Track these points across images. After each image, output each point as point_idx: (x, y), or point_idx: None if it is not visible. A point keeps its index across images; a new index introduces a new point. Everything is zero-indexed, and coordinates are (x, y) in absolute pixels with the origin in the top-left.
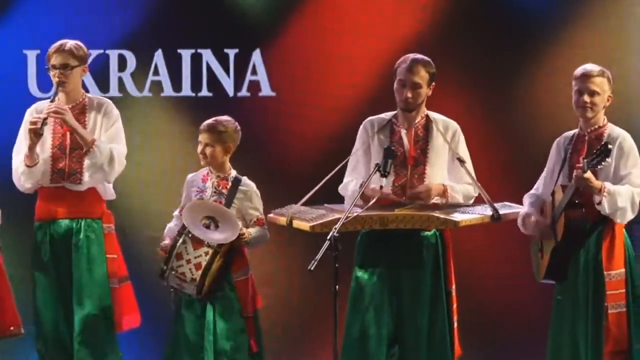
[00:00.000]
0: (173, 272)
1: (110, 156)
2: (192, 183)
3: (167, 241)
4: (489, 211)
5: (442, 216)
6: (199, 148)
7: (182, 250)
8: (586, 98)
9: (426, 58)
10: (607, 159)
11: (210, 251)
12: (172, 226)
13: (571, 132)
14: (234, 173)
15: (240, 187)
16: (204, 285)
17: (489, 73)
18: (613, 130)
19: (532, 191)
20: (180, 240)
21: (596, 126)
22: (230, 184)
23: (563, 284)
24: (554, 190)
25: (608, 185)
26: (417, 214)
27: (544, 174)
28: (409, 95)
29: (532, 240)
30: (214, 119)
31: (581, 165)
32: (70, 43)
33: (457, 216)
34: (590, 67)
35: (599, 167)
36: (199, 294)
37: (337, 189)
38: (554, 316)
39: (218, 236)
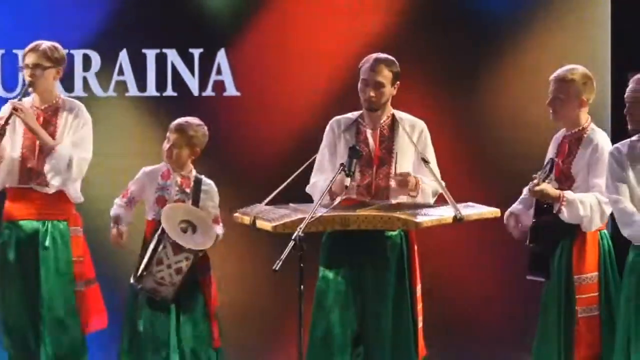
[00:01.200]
0: (152, 276)
1: (69, 162)
2: (149, 177)
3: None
4: (451, 212)
5: (403, 217)
6: (165, 145)
7: (163, 256)
8: (549, 103)
9: (390, 57)
10: (550, 175)
11: (191, 257)
12: (119, 213)
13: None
14: (194, 172)
15: (202, 187)
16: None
17: (454, 72)
18: (593, 133)
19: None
20: (161, 246)
21: (578, 128)
22: (192, 183)
23: (548, 286)
24: None
25: (567, 194)
26: (378, 215)
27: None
28: (372, 94)
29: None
30: (185, 120)
31: (535, 176)
32: (45, 44)
33: (418, 217)
34: (563, 71)
35: (547, 180)
36: (174, 295)
37: (302, 188)
38: (540, 318)
39: (196, 241)
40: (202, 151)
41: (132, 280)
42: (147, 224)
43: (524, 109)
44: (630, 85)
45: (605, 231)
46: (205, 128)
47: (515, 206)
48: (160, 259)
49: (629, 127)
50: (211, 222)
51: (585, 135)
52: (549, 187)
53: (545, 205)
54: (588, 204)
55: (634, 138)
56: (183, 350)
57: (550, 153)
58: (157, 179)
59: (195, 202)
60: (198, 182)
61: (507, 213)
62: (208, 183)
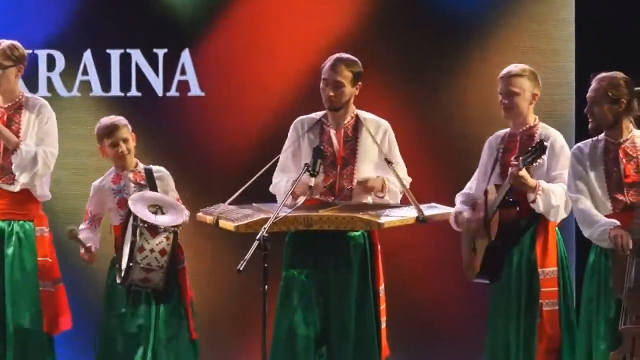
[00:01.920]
0: (138, 265)
1: (34, 158)
2: (102, 189)
3: (88, 251)
4: (414, 213)
5: (366, 217)
6: (116, 149)
7: (143, 242)
8: (504, 99)
9: (351, 57)
10: (542, 157)
11: (170, 235)
12: (86, 236)
13: (503, 131)
14: (141, 165)
15: (155, 174)
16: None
17: (420, 71)
18: (545, 130)
19: (464, 190)
20: (138, 233)
21: (527, 126)
22: (144, 174)
23: (497, 283)
24: (487, 189)
25: (542, 183)
26: (340, 215)
27: (476, 174)
28: (332, 93)
29: (463, 239)
30: (109, 119)
31: (516, 163)
32: (5, 43)
33: (381, 218)
34: (511, 67)
35: (534, 164)
36: (165, 280)
37: (266, 188)
38: (490, 316)
39: (169, 219)
40: (167, 148)
41: (119, 281)
42: (114, 230)
43: (490, 107)
44: (592, 84)
45: (558, 229)
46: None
47: (461, 206)
48: (141, 246)
49: (589, 126)
50: (176, 200)
51: (537, 132)
52: (528, 175)
53: (511, 199)
54: (558, 194)
55: (595, 138)
56: (159, 339)
57: (486, 157)
58: (109, 187)
59: (154, 191)
60: (149, 172)
61: (454, 212)
62: (159, 169)
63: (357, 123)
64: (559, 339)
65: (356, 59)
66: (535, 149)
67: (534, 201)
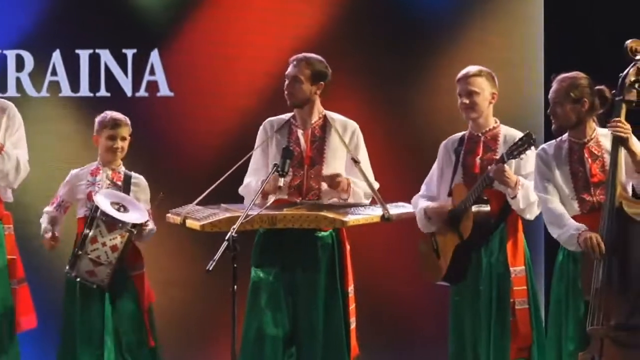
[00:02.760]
0: (87, 256)
1: (17, 163)
2: (78, 177)
3: (53, 233)
4: (380, 211)
5: (331, 215)
6: (112, 143)
7: (97, 234)
8: (465, 99)
9: (315, 56)
10: (530, 149)
11: (126, 234)
12: (53, 216)
13: (459, 134)
14: (123, 167)
15: (132, 181)
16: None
17: (389, 72)
18: (508, 131)
19: (421, 193)
20: (94, 225)
21: (490, 127)
22: (122, 177)
23: (459, 285)
24: (452, 190)
25: (522, 180)
26: (305, 214)
27: (430, 178)
28: (289, 88)
29: (420, 242)
30: (117, 114)
31: (499, 157)
32: None
33: (346, 216)
34: (468, 68)
35: (520, 157)
36: (111, 278)
37: (234, 188)
38: (453, 317)
39: (131, 216)
40: (136, 148)
41: (67, 268)
42: (78, 223)
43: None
44: (554, 85)
45: None
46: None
47: (425, 202)
48: (95, 237)
49: (552, 127)
50: (140, 204)
51: (501, 132)
52: (510, 171)
53: (485, 197)
54: (533, 192)
55: (559, 139)
56: (120, 342)
57: (443, 161)
58: (86, 177)
59: (126, 194)
60: (128, 176)
61: (422, 209)
62: (138, 177)
63: (325, 123)
64: (530, 338)
65: (321, 59)
66: (522, 142)
67: (514, 197)
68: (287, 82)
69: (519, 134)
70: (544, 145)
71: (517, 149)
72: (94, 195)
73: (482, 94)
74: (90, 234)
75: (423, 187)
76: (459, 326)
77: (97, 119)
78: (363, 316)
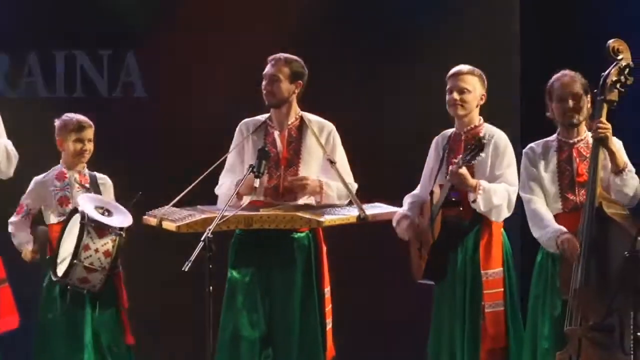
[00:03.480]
0: (81, 263)
1: (7, 151)
2: (44, 184)
3: (27, 251)
4: (356, 212)
5: (306, 216)
6: (81, 146)
7: (89, 241)
8: (456, 95)
9: (293, 57)
10: (481, 154)
11: (116, 238)
12: (20, 239)
13: (449, 131)
14: (87, 169)
15: (99, 181)
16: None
17: (366, 73)
18: (489, 129)
19: (414, 191)
20: (85, 232)
21: (472, 125)
22: (89, 179)
23: (441, 284)
24: (433, 190)
25: (483, 183)
26: (281, 214)
27: (423, 174)
28: (268, 88)
29: (411, 240)
30: (81, 116)
31: (457, 160)
32: None
33: (322, 216)
34: (462, 66)
35: (473, 162)
36: (103, 284)
37: (210, 189)
38: (434, 317)
39: (118, 220)
40: (110, 149)
41: (55, 277)
42: (51, 229)
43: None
44: (565, 79)
45: (504, 230)
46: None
47: (406, 210)
48: (87, 245)
49: (571, 122)
50: (120, 205)
51: (482, 131)
52: (468, 174)
53: (453, 199)
54: (499, 194)
55: (548, 138)
56: (101, 345)
57: (432, 157)
58: (52, 183)
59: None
60: (94, 177)
61: (397, 217)
62: (103, 177)
63: (302, 124)
64: (503, 339)
65: (298, 59)
66: (474, 147)
67: (474, 201)
68: (265, 81)
69: (498, 132)
70: (532, 145)
71: (470, 154)
72: (79, 200)
73: (474, 92)
74: (83, 241)
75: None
76: (439, 326)
77: (59, 123)
78: (339, 316)
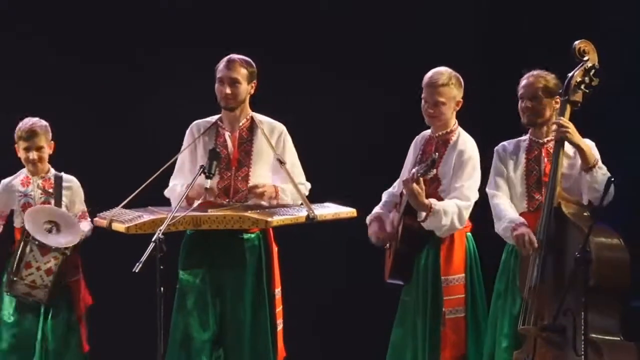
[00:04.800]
0: (22, 281)
1: None
2: (11, 187)
3: None
4: (305, 212)
5: (255, 216)
6: (27, 155)
7: (31, 259)
8: (430, 109)
9: (244, 57)
10: (432, 170)
11: (59, 256)
12: None
13: (428, 132)
14: (53, 171)
15: (64, 184)
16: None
17: (319, 73)
18: (459, 137)
19: (390, 189)
20: (28, 249)
21: (446, 130)
22: (53, 182)
23: (408, 285)
24: (402, 192)
25: (435, 204)
26: (229, 215)
27: (402, 172)
28: (228, 91)
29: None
30: (30, 122)
31: (413, 171)
32: None
33: (270, 216)
34: (437, 75)
35: (427, 176)
36: (49, 296)
37: (161, 191)
38: (398, 316)
39: (62, 240)
40: (65, 150)
41: (5, 289)
42: (16, 231)
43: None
44: (525, 80)
45: (470, 233)
46: (47, 123)
47: (378, 210)
48: (29, 263)
49: (523, 120)
50: (75, 219)
51: (452, 138)
52: (422, 193)
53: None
54: (450, 214)
55: (520, 138)
56: (47, 350)
57: (411, 156)
58: (17, 187)
59: (59, 201)
60: (59, 180)
61: (370, 217)
62: (69, 179)
63: (253, 125)
64: (464, 346)
65: (249, 59)
66: (427, 164)
67: (423, 220)
68: (224, 84)
69: (466, 142)
70: (504, 143)
71: (422, 169)
72: (25, 217)
73: (448, 103)
74: (25, 258)
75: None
76: (402, 326)
77: (16, 130)
78: (291, 317)
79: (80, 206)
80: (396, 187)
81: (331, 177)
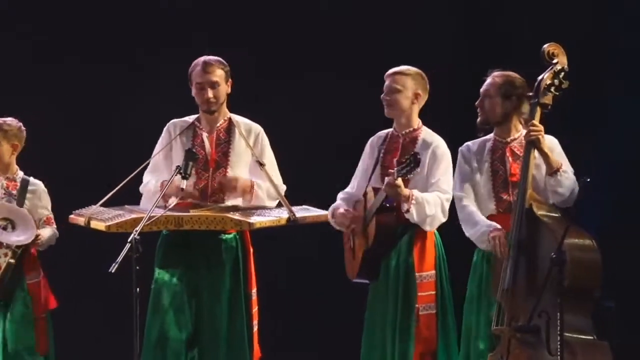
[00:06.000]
0: None
1: None
2: None
3: None
4: (286, 214)
5: (236, 217)
6: None
7: None
8: (387, 95)
9: (217, 57)
10: (416, 169)
11: (10, 252)
12: None
13: (384, 132)
14: (21, 174)
15: (29, 187)
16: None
17: (294, 74)
18: (427, 134)
19: (346, 189)
20: None
21: (410, 129)
22: (19, 184)
23: (375, 285)
24: (366, 191)
25: (416, 193)
26: (211, 215)
27: (357, 173)
28: (211, 95)
29: (344, 238)
30: (2, 121)
31: (392, 172)
32: None
33: (252, 218)
34: (396, 67)
35: (408, 176)
36: (2, 294)
37: (138, 190)
38: (367, 316)
39: (16, 238)
40: (39, 149)
41: None
42: None
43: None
44: (488, 79)
45: (437, 232)
46: (20, 123)
47: (339, 202)
48: None
49: (478, 120)
50: (32, 220)
51: (419, 137)
52: (402, 186)
53: (387, 205)
54: (433, 204)
55: (485, 137)
56: (7, 352)
57: (367, 157)
58: None
59: (21, 203)
60: (25, 183)
61: (330, 212)
62: (35, 183)
63: (230, 126)
64: (435, 342)
65: (221, 58)
66: (409, 161)
67: (407, 211)
68: (203, 89)
69: (437, 139)
70: (468, 143)
71: (405, 168)
72: None
73: (404, 92)
74: None
75: (351, 182)
76: (372, 326)
77: None
78: (267, 318)
79: (45, 211)
80: (355, 187)
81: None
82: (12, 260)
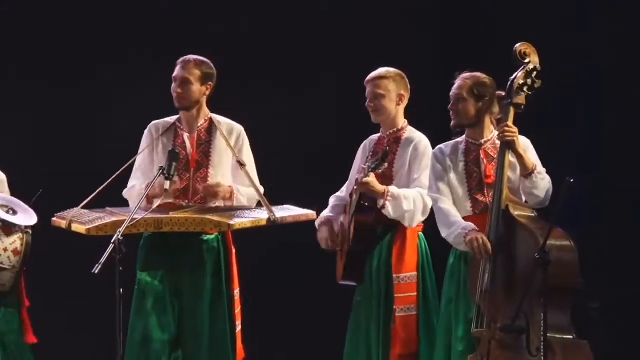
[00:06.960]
0: None
1: None
2: None
3: None
4: (266, 214)
5: (216, 219)
6: None
7: None
8: (371, 102)
9: (202, 58)
10: (384, 164)
11: (24, 235)
12: None
13: (376, 135)
14: None
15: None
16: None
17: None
18: (411, 133)
19: (337, 193)
20: None
21: (395, 129)
22: None
23: (361, 285)
24: (352, 193)
25: (392, 189)
26: (191, 217)
27: (350, 176)
28: (179, 90)
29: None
30: None
31: (364, 167)
32: None
33: (232, 219)
34: (375, 72)
35: (378, 170)
36: (14, 282)
37: (120, 192)
38: (352, 317)
39: (23, 218)
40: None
41: None
42: None
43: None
44: (457, 82)
45: (422, 233)
46: None
47: (327, 214)
48: None
49: (451, 123)
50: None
51: (403, 136)
52: (375, 181)
53: (366, 204)
54: (411, 199)
55: (457, 139)
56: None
57: (359, 160)
58: None
59: None
60: None
61: (319, 220)
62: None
63: (211, 126)
64: (415, 344)
65: (208, 60)
66: (379, 157)
67: (383, 207)
68: (175, 84)
69: (419, 135)
70: (440, 145)
71: (374, 163)
72: None
73: (388, 96)
74: None
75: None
76: (356, 327)
77: None
78: (250, 319)
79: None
80: (344, 191)
81: (286, 180)
82: (29, 240)
